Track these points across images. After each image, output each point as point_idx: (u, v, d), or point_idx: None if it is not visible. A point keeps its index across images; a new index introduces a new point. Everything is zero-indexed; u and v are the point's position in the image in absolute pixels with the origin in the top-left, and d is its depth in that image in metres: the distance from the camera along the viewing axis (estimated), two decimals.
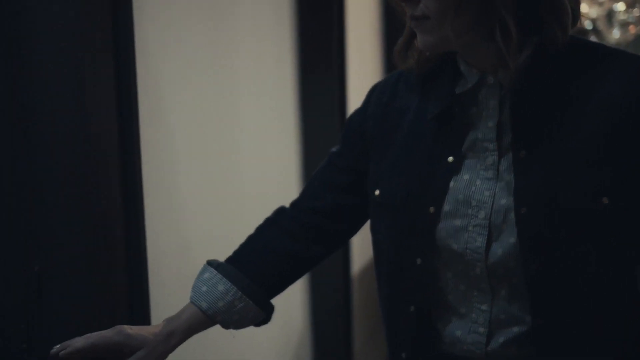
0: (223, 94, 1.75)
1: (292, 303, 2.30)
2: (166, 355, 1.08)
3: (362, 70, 2.97)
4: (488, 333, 1.01)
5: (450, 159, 1.01)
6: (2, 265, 1.07)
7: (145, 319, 1.20)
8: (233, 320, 1.12)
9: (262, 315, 1.15)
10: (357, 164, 1.14)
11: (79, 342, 1.02)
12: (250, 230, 1.19)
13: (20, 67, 1.06)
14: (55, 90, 1.07)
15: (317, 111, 2.32)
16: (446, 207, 1.00)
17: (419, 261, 1.03)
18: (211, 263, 1.14)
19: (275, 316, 2.06)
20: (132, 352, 1.04)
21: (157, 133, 1.41)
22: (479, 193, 0.99)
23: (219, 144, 1.74)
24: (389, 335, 1.12)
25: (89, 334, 1.04)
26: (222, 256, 1.16)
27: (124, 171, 1.16)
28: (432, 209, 1.01)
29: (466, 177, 1.00)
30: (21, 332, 1.08)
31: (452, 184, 1.01)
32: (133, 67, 1.17)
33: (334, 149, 1.19)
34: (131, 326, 1.07)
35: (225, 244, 1.21)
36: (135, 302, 1.18)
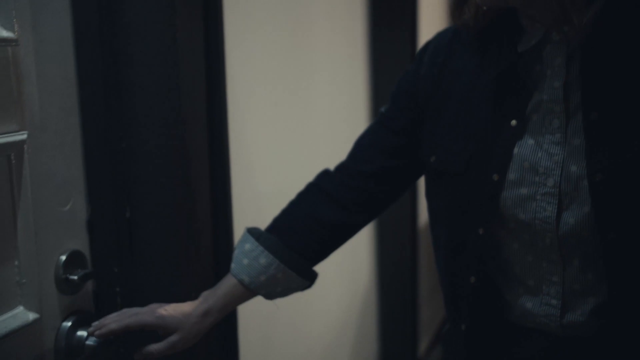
0: (297, 51, 1.75)
1: (359, 257, 2.33)
2: (201, 335, 1.06)
3: (434, 25, 2.92)
4: (562, 305, 0.97)
5: (514, 122, 0.94)
6: (98, 213, 1.11)
7: (228, 263, 1.23)
8: (277, 292, 1.10)
9: (306, 283, 1.12)
10: (408, 127, 1.08)
11: (113, 324, 1.02)
12: None
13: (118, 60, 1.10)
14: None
15: (388, 70, 2.30)
16: (511, 175, 0.95)
17: (481, 231, 0.98)
18: (252, 232, 1.10)
19: (343, 270, 2.10)
20: (166, 333, 1.04)
21: (240, 93, 1.43)
22: (546, 159, 0.93)
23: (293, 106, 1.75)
24: (448, 305, 1.09)
25: (123, 313, 1.03)
26: None
27: (211, 128, 1.18)
28: (495, 177, 0.95)
29: (531, 142, 0.94)
30: (114, 275, 1.13)
31: (516, 149, 0.94)
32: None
33: (383, 110, 1.13)
34: (167, 307, 1.05)
35: None
36: (219, 247, 1.22)
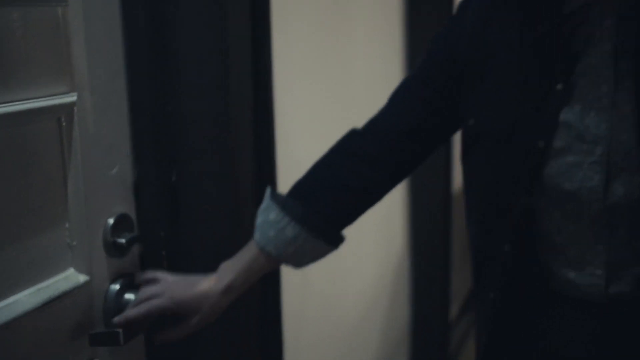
0: (336, 17, 1.73)
1: (393, 223, 2.32)
2: (221, 313, 1.04)
3: None
4: (607, 276, 0.93)
5: (559, 86, 0.90)
6: (144, 176, 1.11)
7: None
8: (305, 261, 1.06)
9: (334, 249, 1.08)
10: (444, 83, 1.02)
11: (132, 313, 1.01)
12: None
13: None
14: None
15: (425, 29, 2.26)
16: (557, 143, 0.90)
17: (520, 199, 0.94)
18: (276, 199, 1.04)
19: (377, 236, 2.10)
20: (187, 314, 1.02)
21: (282, 61, 1.41)
22: (594, 126, 0.89)
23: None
24: (477, 272, 1.05)
25: (142, 299, 1.02)
26: None
27: (256, 92, 1.16)
28: (541, 144, 0.91)
29: (578, 107, 0.90)
30: (160, 239, 1.13)
31: (562, 115, 0.90)
32: None
33: (418, 65, 1.07)
34: (184, 286, 1.02)
35: None
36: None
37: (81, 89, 0.98)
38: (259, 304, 1.22)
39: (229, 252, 1.14)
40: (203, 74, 1.08)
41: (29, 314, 0.90)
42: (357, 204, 1.08)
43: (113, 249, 1.07)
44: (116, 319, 1.01)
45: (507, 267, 0.99)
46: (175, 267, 1.14)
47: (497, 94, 0.95)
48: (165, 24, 1.08)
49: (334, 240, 1.07)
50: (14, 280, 0.90)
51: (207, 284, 1.03)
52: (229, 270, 1.04)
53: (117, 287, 1.08)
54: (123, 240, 1.07)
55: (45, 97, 0.92)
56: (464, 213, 1.07)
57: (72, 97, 0.95)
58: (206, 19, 1.07)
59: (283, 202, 1.04)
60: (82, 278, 1.00)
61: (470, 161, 1.02)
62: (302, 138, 1.59)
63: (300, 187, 1.07)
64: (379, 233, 2.16)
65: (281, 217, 1.02)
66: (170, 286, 1.03)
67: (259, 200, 1.19)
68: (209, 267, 1.15)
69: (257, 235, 1.04)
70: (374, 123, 1.09)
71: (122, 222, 1.08)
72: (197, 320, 1.02)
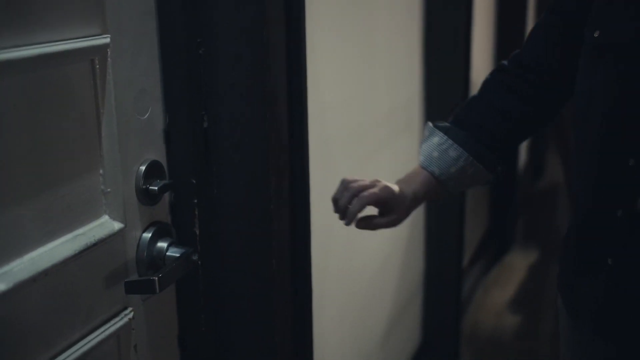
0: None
1: None
2: (408, 216, 1.13)
3: None
4: None
5: None
6: (175, 123, 1.08)
7: (303, 177, 1.21)
8: (464, 184, 1.13)
9: (491, 177, 1.14)
10: (578, 8, 1.04)
11: (356, 205, 1.10)
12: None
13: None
14: None
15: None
16: None
17: None
18: (439, 127, 1.12)
19: None
20: (388, 210, 1.11)
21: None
22: None
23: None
24: (594, 192, 1.01)
25: (352, 185, 1.11)
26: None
27: (289, 37, 1.11)
28: None
29: None
30: (192, 187, 1.11)
31: None
32: None
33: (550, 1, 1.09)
34: (387, 185, 1.11)
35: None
36: (295, 160, 1.18)
37: (113, 31, 0.94)
38: (291, 258, 1.20)
39: (262, 201, 1.13)
40: (238, 15, 1.04)
41: (67, 261, 0.89)
42: (513, 133, 1.14)
43: (145, 197, 1.04)
44: (346, 222, 1.13)
45: (633, 182, 0.95)
46: (207, 215, 1.13)
47: (628, 4, 0.95)
48: None
49: (492, 166, 1.13)
50: (52, 226, 0.88)
51: (398, 188, 1.12)
52: (410, 183, 1.14)
53: (149, 235, 1.06)
54: (155, 188, 1.05)
55: (77, 38, 0.88)
56: (575, 131, 1.04)
57: (105, 39, 0.92)
58: None
59: (446, 129, 1.13)
60: (116, 225, 0.98)
61: (590, 76, 1.00)
62: (329, 86, 1.56)
63: (459, 116, 1.15)
64: None
65: (444, 140, 1.11)
66: (377, 180, 1.12)
67: (293, 148, 1.17)
68: (241, 215, 1.14)
69: (421, 159, 1.13)
70: (518, 56, 1.14)
71: (153, 169, 1.05)
72: (397, 216, 1.12)
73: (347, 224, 1.13)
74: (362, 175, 1.78)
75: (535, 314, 3.18)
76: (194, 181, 1.11)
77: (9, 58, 0.78)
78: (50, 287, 0.88)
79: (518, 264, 3.63)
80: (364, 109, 1.84)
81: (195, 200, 1.12)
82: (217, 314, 1.18)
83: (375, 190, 1.10)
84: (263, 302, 1.17)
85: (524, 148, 4.42)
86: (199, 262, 1.13)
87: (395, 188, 1.14)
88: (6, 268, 0.81)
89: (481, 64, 2.99)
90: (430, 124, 1.15)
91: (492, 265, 3.57)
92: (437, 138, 1.12)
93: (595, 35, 0.98)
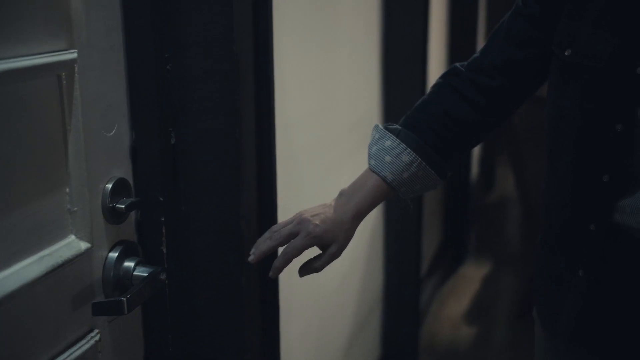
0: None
1: None
2: (352, 237, 1.08)
3: None
4: None
5: None
6: (142, 139, 1.06)
7: (272, 192, 1.20)
8: (414, 190, 1.09)
9: (440, 183, 1.11)
10: (544, 15, 1.03)
11: (277, 263, 1.06)
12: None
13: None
14: None
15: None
16: None
17: (619, 127, 0.94)
18: (390, 129, 1.08)
19: None
20: (325, 246, 1.06)
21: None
22: None
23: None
24: (570, 206, 1.02)
25: (276, 240, 1.05)
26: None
27: (257, 53, 1.11)
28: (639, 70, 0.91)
29: None
30: (159, 204, 1.09)
31: None
32: None
33: (516, 3, 1.08)
34: (314, 219, 1.04)
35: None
36: (263, 176, 1.17)
37: (80, 46, 0.91)
38: (260, 275, 1.19)
39: (231, 217, 1.11)
40: (207, 30, 1.03)
41: (33, 283, 0.85)
42: (464, 138, 1.12)
43: (112, 215, 1.02)
44: (252, 260, 1.06)
45: (607, 198, 0.96)
46: (174, 232, 1.10)
47: (600, 22, 0.95)
48: None
49: (442, 172, 1.10)
50: (18, 247, 0.85)
51: (333, 212, 1.06)
52: (353, 197, 1.07)
53: (115, 254, 1.03)
54: (122, 206, 1.02)
55: (44, 53, 0.86)
56: (549, 147, 1.05)
57: (72, 54, 0.89)
58: None
59: (397, 132, 1.08)
60: (83, 245, 0.95)
61: (560, 95, 1.01)
62: (295, 100, 1.56)
63: (410, 120, 1.11)
64: None
65: (397, 144, 1.07)
66: (300, 219, 1.05)
67: (260, 164, 1.16)
68: (210, 232, 1.12)
69: (372, 162, 1.08)
70: (475, 60, 1.12)
71: (120, 187, 1.03)
72: (336, 249, 1.06)
73: (272, 277, 1.08)
74: (326, 187, 1.78)
75: (490, 324, 3.23)
76: (162, 198, 1.08)
77: None
78: (17, 311, 0.84)
79: (472, 275, 3.68)
80: (327, 122, 1.85)
81: (163, 218, 1.09)
82: (184, 334, 1.16)
83: (299, 241, 1.04)
84: (232, 320, 1.15)
85: (475, 160, 4.50)
86: (166, 281, 1.11)
87: (331, 214, 1.06)
88: None
89: (437, 76, 3.04)
90: (379, 125, 1.10)
91: (448, 276, 3.61)
92: (390, 141, 1.07)
93: (566, 53, 0.98)
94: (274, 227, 1.09)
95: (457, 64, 1.14)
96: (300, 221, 1.05)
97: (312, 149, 1.74)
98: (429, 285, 3.30)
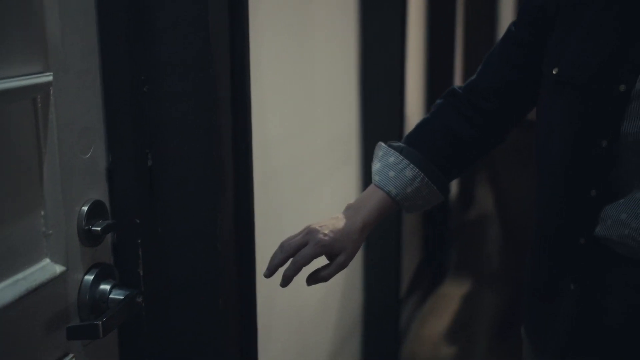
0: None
1: None
2: (360, 247, 1.11)
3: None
4: None
5: None
6: (118, 161, 1.05)
7: (250, 212, 1.20)
8: (417, 205, 1.13)
9: (442, 199, 1.14)
10: (535, 39, 1.07)
11: (288, 271, 1.08)
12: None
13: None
14: None
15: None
16: (638, 85, 0.93)
17: (604, 144, 0.97)
18: (393, 146, 1.12)
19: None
20: (334, 255, 1.08)
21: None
22: None
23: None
24: (558, 220, 1.05)
25: (287, 247, 1.08)
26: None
27: (234, 76, 1.11)
28: (622, 88, 0.94)
29: None
30: (135, 227, 1.08)
31: None
32: None
33: (511, 25, 1.13)
34: (324, 229, 1.07)
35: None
36: (241, 196, 1.17)
37: (56, 69, 0.91)
38: (238, 297, 1.18)
39: (207, 239, 1.11)
40: (184, 53, 1.03)
41: (7, 308, 0.85)
42: (465, 155, 1.17)
43: (87, 238, 1.01)
44: (266, 273, 1.09)
45: (595, 212, 0.98)
46: (151, 255, 1.10)
47: (586, 42, 0.98)
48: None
49: (444, 188, 1.14)
50: None
51: (342, 223, 1.09)
52: (360, 210, 1.11)
53: (91, 277, 1.02)
54: (98, 229, 1.01)
55: (19, 76, 0.85)
56: (538, 164, 1.08)
57: (47, 77, 0.89)
58: None
59: (400, 148, 1.13)
60: (58, 269, 0.94)
61: (548, 111, 1.05)
62: (272, 120, 1.57)
63: (412, 138, 1.16)
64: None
65: (400, 160, 1.11)
66: (310, 231, 1.08)
67: (238, 184, 1.16)
68: (186, 254, 1.11)
69: (376, 178, 1.12)
70: (471, 83, 1.17)
71: (96, 209, 1.02)
72: (344, 258, 1.09)
73: (283, 286, 1.10)
74: (307, 206, 1.78)
75: (470, 343, 3.23)
76: (138, 220, 1.08)
77: None
78: None
79: (452, 294, 3.69)
80: (305, 142, 1.85)
81: (139, 240, 1.09)
82: (161, 357, 1.15)
83: (308, 250, 1.07)
84: (210, 343, 1.14)
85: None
86: (143, 304, 1.10)
87: (339, 224, 1.10)
88: None
89: (415, 99, 3.06)
90: (383, 144, 1.15)
91: (428, 295, 3.61)
92: (393, 158, 1.11)
93: (554, 72, 1.02)
94: (284, 241, 1.12)
95: (455, 86, 1.19)
96: (308, 231, 1.09)
97: (291, 168, 1.74)
98: (409, 305, 3.30)
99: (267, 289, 1.53)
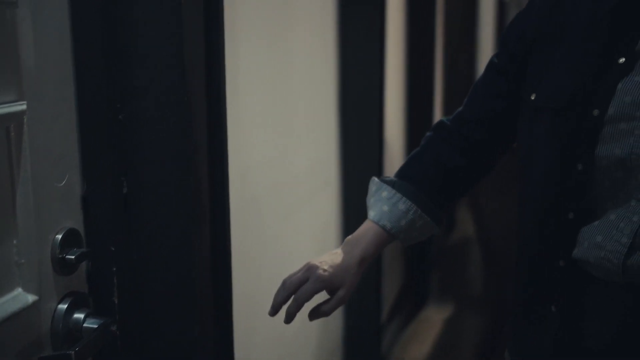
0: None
1: (328, 236, 2.31)
2: (358, 281, 1.13)
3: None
4: (630, 245, 0.94)
5: (622, 60, 0.94)
6: (93, 189, 1.05)
7: (226, 242, 1.19)
8: (412, 237, 1.15)
9: (436, 230, 1.17)
10: (516, 68, 1.10)
11: (292, 308, 1.10)
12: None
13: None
14: None
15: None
16: (611, 110, 0.94)
17: (579, 167, 0.98)
18: (386, 181, 1.14)
19: (313, 247, 2.09)
20: (333, 290, 1.11)
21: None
22: None
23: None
24: (538, 243, 1.06)
25: (289, 285, 1.11)
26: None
27: (210, 103, 1.12)
28: (596, 112, 0.95)
29: (637, 79, 0.93)
30: (110, 255, 1.07)
31: (620, 85, 0.93)
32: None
33: (494, 57, 1.16)
34: (323, 265, 1.10)
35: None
36: (217, 224, 1.17)
37: (30, 97, 0.91)
38: (214, 325, 1.18)
39: (183, 267, 1.10)
40: (159, 81, 1.03)
41: None
42: (458, 188, 1.20)
43: (61, 267, 1.00)
44: (270, 313, 1.12)
45: (573, 234, 1.00)
46: (126, 283, 1.09)
47: (563, 66, 1.01)
48: (118, 27, 1.03)
49: (438, 219, 1.16)
50: None
51: (340, 258, 1.12)
52: (357, 245, 1.13)
53: (65, 306, 1.01)
54: (72, 257, 1.01)
55: None
56: (521, 188, 1.10)
57: (21, 106, 0.89)
58: (161, 22, 1.02)
59: (392, 183, 1.15)
60: (30, 298, 0.93)
61: (529, 135, 1.06)
62: (250, 145, 1.57)
63: (404, 171, 1.18)
64: (316, 243, 2.15)
65: (393, 194, 1.13)
66: (310, 267, 1.11)
67: (214, 211, 1.16)
68: (162, 283, 1.11)
69: (371, 213, 1.15)
70: (458, 114, 1.20)
71: (70, 238, 1.02)
72: (344, 293, 1.11)
73: (287, 322, 1.14)
74: (286, 231, 1.78)
75: None
76: (113, 248, 1.07)
77: None
78: None
79: (434, 319, 3.68)
80: (283, 168, 1.86)
81: (114, 268, 1.08)
82: None
83: (309, 286, 1.10)
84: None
85: None
86: (118, 333, 1.09)
87: (338, 260, 1.13)
88: None
89: (394, 122, 3.08)
90: (375, 179, 1.17)
91: (409, 320, 3.60)
92: (386, 192, 1.14)
93: (532, 97, 1.04)
94: (286, 278, 1.14)
95: (443, 118, 1.21)
96: (308, 268, 1.11)
97: (270, 194, 1.74)
98: (391, 329, 3.29)
99: (245, 317, 1.52)
